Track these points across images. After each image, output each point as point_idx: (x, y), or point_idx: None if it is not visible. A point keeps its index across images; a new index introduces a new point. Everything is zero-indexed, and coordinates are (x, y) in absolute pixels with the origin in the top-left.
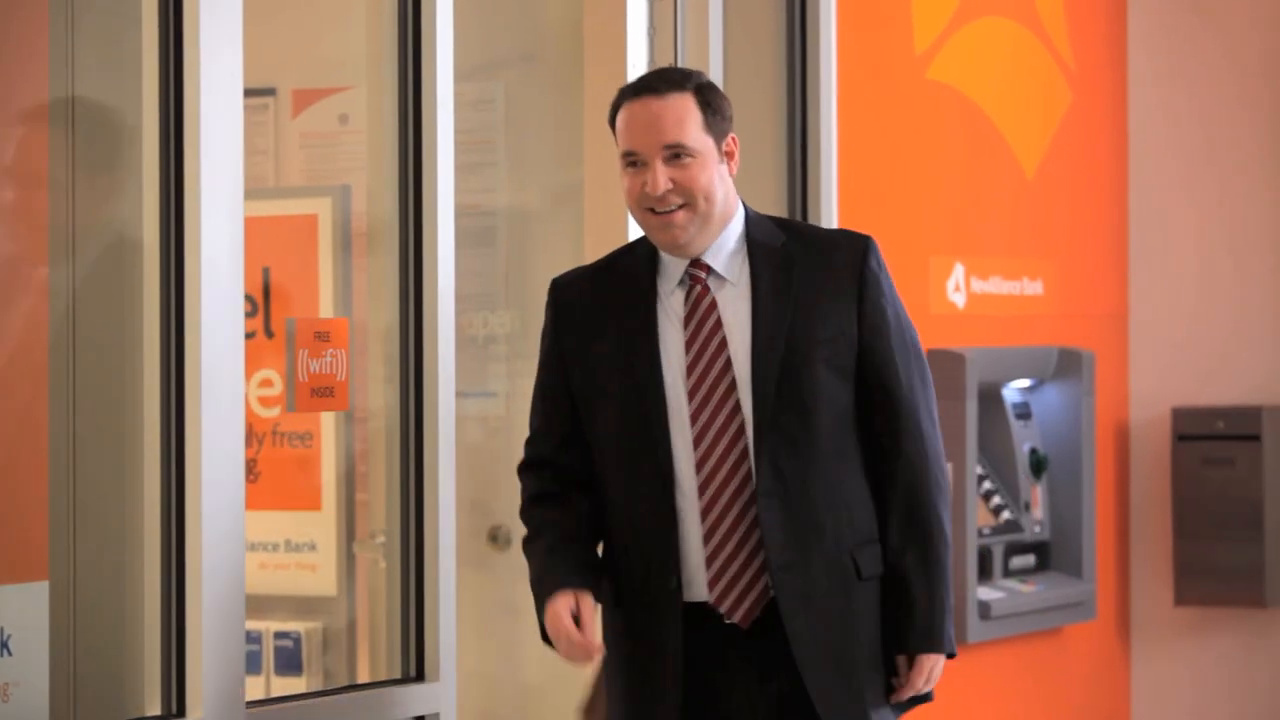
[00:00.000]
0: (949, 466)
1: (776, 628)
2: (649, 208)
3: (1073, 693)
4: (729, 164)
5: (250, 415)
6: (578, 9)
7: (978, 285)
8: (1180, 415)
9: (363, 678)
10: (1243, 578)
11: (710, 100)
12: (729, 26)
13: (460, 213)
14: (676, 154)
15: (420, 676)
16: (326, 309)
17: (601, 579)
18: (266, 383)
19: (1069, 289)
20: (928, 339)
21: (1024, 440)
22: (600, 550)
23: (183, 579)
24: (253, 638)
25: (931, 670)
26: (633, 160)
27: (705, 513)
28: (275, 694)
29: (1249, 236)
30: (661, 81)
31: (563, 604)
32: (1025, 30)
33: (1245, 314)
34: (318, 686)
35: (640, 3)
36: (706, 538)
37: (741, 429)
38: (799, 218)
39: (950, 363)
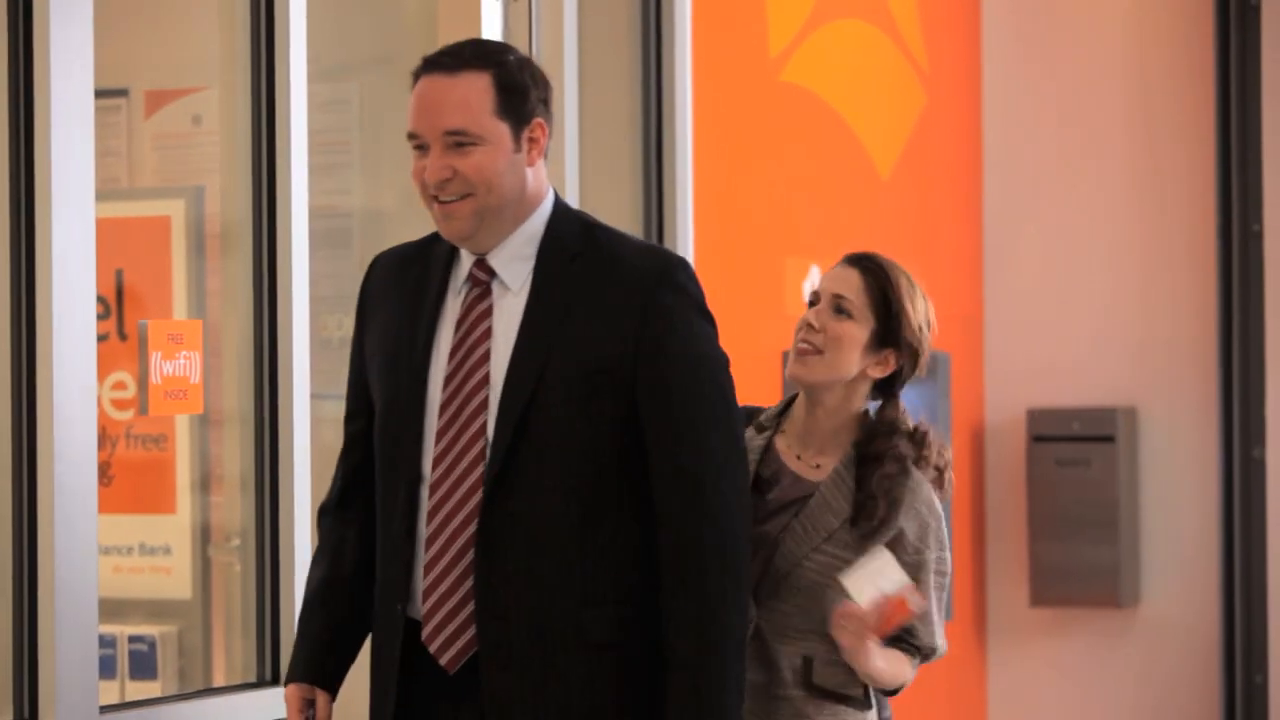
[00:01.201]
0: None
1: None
2: (433, 195)
3: (930, 693)
4: (530, 153)
5: (103, 418)
6: (432, 10)
7: None
8: (1035, 416)
9: (218, 681)
10: (1098, 578)
11: (510, 81)
12: (583, 29)
13: (315, 214)
14: (459, 141)
15: (276, 680)
16: (180, 311)
17: (346, 656)
18: (120, 385)
19: (924, 290)
20: (782, 341)
21: None
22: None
23: (35, 583)
24: (106, 641)
25: None
26: (417, 143)
27: (430, 541)
28: (130, 698)
29: (1104, 237)
30: (454, 57)
31: (295, 700)
32: (880, 33)
33: (1100, 316)
34: (173, 691)
35: (495, 3)
36: (427, 568)
37: (481, 456)
38: (655, 220)
39: None
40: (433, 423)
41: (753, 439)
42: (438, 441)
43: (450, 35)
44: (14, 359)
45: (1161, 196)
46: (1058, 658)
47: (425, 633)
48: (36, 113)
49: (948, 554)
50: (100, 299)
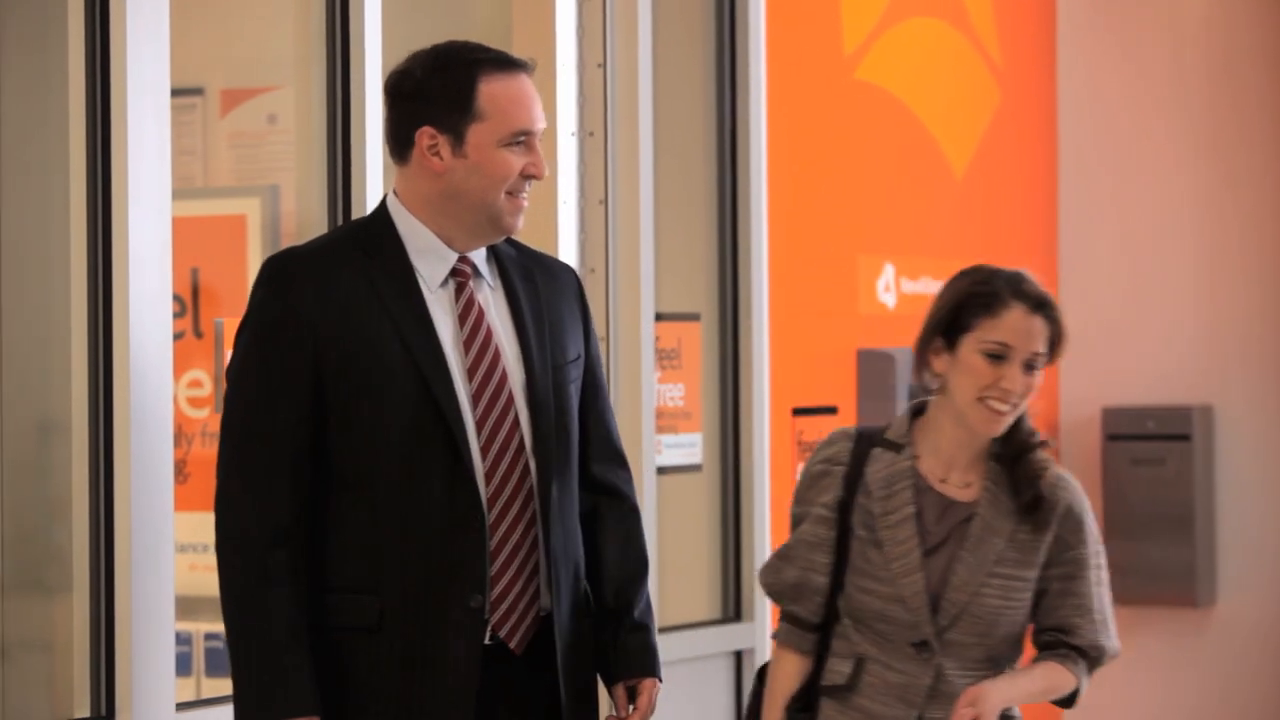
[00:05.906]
0: None
1: (544, 656)
2: (515, 191)
3: None
4: None
5: (179, 416)
6: (506, 9)
7: (908, 285)
8: (1110, 415)
9: None
10: (1173, 578)
11: None
12: (658, 27)
13: None
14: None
15: None
16: None
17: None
18: (196, 383)
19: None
20: (857, 339)
21: None
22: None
23: (112, 580)
24: (183, 639)
25: (654, 697)
26: (524, 140)
27: (494, 527)
28: (206, 696)
29: (1178, 236)
30: (522, 62)
31: None
32: (954, 30)
33: (1176, 314)
34: None
35: (569, 3)
36: (493, 555)
37: (523, 443)
38: (729, 218)
39: (880, 363)
40: (467, 414)
41: (895, 462)
42: (479, 430)
43: (525, 34)
44: (91, 357)
45: (1238, 194)
46: (1133, 657)
47: (495, 617)
48: (113, 112)
49: (1102, 546)
50: (176, 297)
